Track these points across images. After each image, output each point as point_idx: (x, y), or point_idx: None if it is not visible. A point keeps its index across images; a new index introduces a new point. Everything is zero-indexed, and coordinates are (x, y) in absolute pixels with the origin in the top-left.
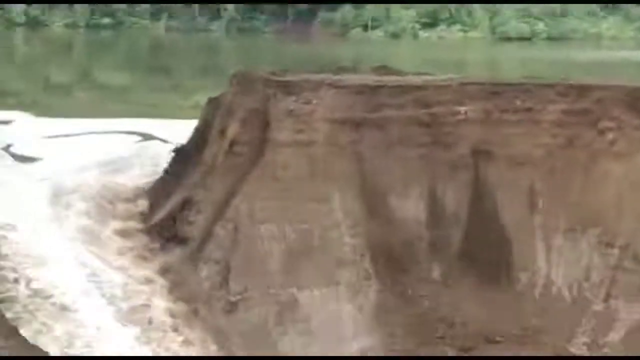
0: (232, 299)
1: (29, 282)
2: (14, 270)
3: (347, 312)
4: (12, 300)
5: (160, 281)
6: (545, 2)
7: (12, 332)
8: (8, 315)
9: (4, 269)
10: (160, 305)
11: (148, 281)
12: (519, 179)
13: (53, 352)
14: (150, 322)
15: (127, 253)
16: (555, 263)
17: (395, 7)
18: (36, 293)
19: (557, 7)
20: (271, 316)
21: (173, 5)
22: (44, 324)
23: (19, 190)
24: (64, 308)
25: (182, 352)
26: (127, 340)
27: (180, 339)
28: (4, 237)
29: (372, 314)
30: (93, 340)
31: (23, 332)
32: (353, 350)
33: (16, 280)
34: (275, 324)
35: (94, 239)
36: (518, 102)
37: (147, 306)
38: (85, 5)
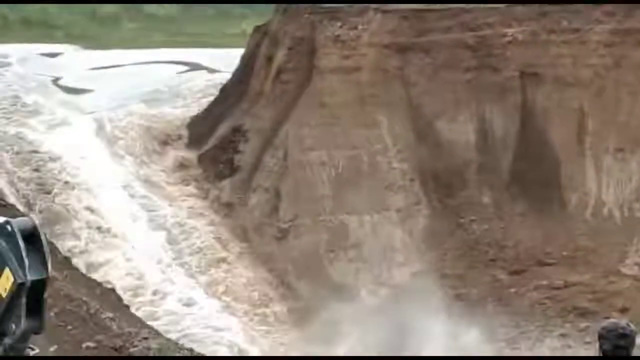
0: (283, 226)
1: (102, 268)
2: (87, 252)
3: (398, 237)
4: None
5: (237, 244)
6: None
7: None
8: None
9: (76, 253)
10: (242, 275)
11: (224, 242)
12: (567, 100)
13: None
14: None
15: (189, 199)
16: (605, 183)
17: None
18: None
19: None
20: (322, 243)
21: None
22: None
23: (77, 135)
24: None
25: (267, 329)
26: (212, 315)
27: (267, 311)
28: (78, 200)
29: (422, 238)
30: (176, 319)
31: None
32: (405, 274)
33: (90, 268)
34: (326, 250)
35: (156, 189)
36: (565, 23)
37: (227, 277)
38: None
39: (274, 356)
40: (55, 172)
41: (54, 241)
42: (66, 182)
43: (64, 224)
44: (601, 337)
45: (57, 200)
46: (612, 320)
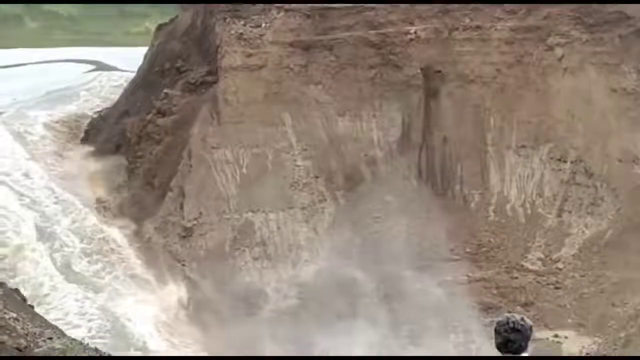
0: (187, 224)
1: None
2: None
3: (303, 235)
4: None
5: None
6: None
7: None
8: None
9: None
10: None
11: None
12: (469, 97)
13: None
14: None
15: (105, 212)
16: (507, 180)
17: None
18: None
19: None
20: (227, 240)
21: None
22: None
23: None
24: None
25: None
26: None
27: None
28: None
29: (327, 235)
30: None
31: None
32: (309, 272)
33: None
34: (230, 248)
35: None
36: (467, 20)
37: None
38: None
39: (267, 356)
40: None
41: None
42: None
43: None
44: (495, 332)
45: None
46: (506, 314)
